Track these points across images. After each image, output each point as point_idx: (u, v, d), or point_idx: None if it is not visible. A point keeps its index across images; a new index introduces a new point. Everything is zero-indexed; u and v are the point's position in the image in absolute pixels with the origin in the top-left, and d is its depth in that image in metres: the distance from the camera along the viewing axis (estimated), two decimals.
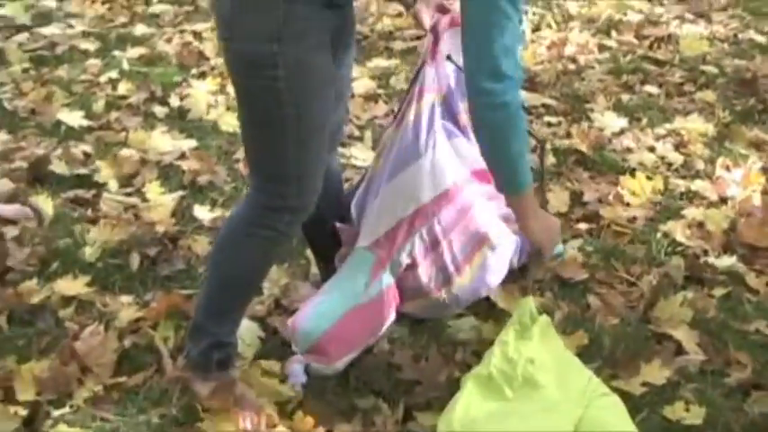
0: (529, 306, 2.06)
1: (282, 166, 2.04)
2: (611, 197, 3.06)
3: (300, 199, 2.09)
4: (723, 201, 3.09)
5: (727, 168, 3.27)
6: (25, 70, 4.02)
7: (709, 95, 3.84)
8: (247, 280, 2.22)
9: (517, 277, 2.59)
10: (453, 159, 2.43)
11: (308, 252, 2.73)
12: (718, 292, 2.64)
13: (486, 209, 2.47)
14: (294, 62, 1.93)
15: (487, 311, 2.53)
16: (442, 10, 2.40)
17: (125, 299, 2.56)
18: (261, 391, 2.22)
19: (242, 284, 2.22)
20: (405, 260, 2.36)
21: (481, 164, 2.21)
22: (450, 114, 2.48)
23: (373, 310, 2.34)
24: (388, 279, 2.35)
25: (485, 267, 2.46)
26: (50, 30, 4.41)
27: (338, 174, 2.54)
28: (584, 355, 2.35)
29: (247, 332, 2.40)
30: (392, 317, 2.39)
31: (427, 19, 2.42)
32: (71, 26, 4.47)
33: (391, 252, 2.35)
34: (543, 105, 3.69)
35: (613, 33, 4.43)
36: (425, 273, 2.39)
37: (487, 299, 2.54)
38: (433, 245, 2.38)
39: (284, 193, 2.06)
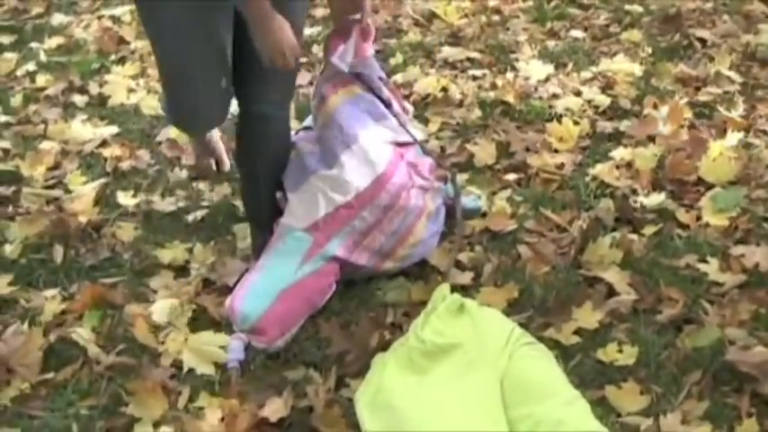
0: (441, 291, 2.08)
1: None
2: (538, 145, 3.04)
3: (169, 116, 2.59)
4: (651, 139, 3.07)
5: (655, 106, 3.26)
6: None
7: (634, 35, 3.83)
8: None
9: (446, 235, 2.57)
10: (381, 143, 2.45)
11: (235, 228, 2.70)
12: (649, 230, 2.63)
13: (419, 179, 2.48)
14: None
15: (418, 271, 2.50)
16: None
17: (49, 293, 2.51)
18: (201, 359, 2.22)
19: None
20: (336, 251, 2.37)
21: (401, 136, 2.45)
22: (372, 105, 2.50)
23: (309, 286, 2.35)
24: (323, 260, 2.36)
25: (425, 237, 2.48)
26: None
27: (280, 137, 2.53)
28: (516, 306, 2.35)
29: (176, 311, 2.37)
30: (330, 292, 2.39)
31: None
32: None
33: (329, 236, 2.36)
34: (468, 59, 3.66)
35: None
36: (361, 258, 2.41)
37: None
38: (368, 230, 2.40)
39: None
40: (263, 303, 2.26)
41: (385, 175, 2.40)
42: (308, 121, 2.66)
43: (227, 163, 2.88)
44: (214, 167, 2.88)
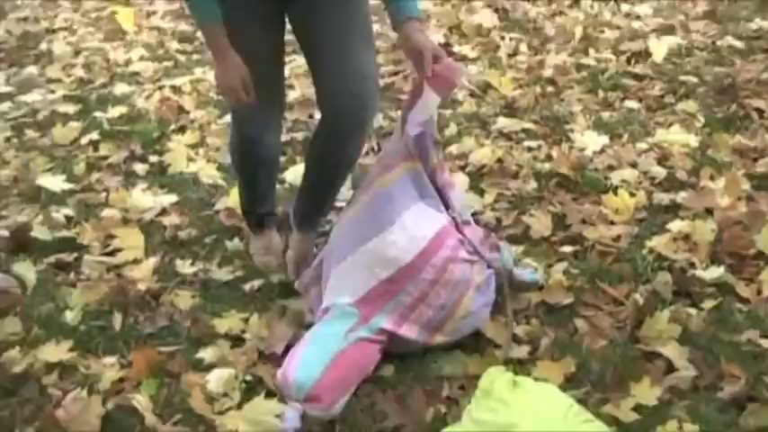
0: (493, 372, 2.08)
1: None
2: (594, 217, 3.03)
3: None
4: (709, 211, 3.05)
5: (712, 178, 3.24)
6: (7, 139, 4.03)
7: (690, 105, 3.82)
8: None
9: (501, 307, 2.56)
10: (428, 218, 2.47)
11: (287, 300, 2.72)
12: (708, 304, 2.60)
13: (464, 253, 2.48)
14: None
15: (474, 344, 2.49)
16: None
17: (108, 360, 2.54)
18: (257, 430, 2.23)
19: None
20: (383, 324, 2.38)
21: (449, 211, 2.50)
22: (422, 180, 2.51)
23: (359, 352, 2.36)
24: (370, 332, 2.38)
25: (473, 309, 2.47)
26: (32, 96, 4.43)
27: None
28: (573, 381, 2.33)
29: (231, 381, 2.39)
30: (377, 358, 2.40)
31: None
32: (52, 91, 4.50)
33: (375, 310, 2.39)
34: (523, 130, 3.68)
35: (591, 51, 4.42)
36: (409, 332, 2.41)
37: (477, 331, 2.52)
38: (415, 304, 2.41)
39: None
40: (315, 371, 2.27)
41: (429, 250, 2.41)
42: None
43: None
44: (274, 265, 2.90)
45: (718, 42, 4.47)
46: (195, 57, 4.81)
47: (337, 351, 2.32)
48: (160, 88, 4.40)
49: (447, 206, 2.53)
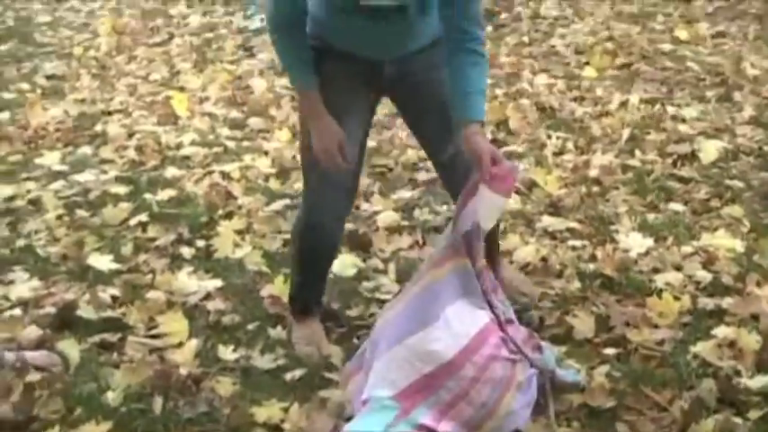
0: None
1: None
2: (638, 319, 3.01)
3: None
4: (755, 318, 3.02)
5: (758, 284, 3.22)
6: (59, 216, 4.10)
7: (735, 210, 3.81)
8: None
9: (542, 408, 2.54)
10: (469, 313, 2.48)
11: (327, 392, 2.71)
12: (754, 414, 2.56)
13: (507, 352, 2.48)
14: None
15: None
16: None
17: None
18: None
19: None
20: (423, 419, 2.38)
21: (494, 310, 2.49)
22: (470, 278, 2.52)
23: None
24: (409, 426, 2.38)
25: (514, 409, 2.46)
26: (85, 176, 4.52)
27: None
28: None
29: None
30: None
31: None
32: (105, 171, 4.59)
33: (415, 404, 2.39)
34: (568, 229, 3.69)
35: (637, 153, 4.44)
36: (448, 429, 2.40)
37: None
38: (455, 401, 2.40)
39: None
40: None
41: (471, 347, 2.42)
42: None
43: (329, 350, 2.92)
44: (316, 355, 2.90)
45: (765, 147, 4.47)
46: (245, 143, 4.90)
47: None
48: (209, 173, 4.48)
49: (491, 305, 2.53)
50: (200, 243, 3.74)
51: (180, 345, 3.01)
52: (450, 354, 2.40)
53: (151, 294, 3.33)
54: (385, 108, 4.33)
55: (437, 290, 2.48)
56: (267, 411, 2.64)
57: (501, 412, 2.43)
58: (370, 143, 4.64)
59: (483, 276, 2.54)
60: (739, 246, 3.50)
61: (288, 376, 2.82)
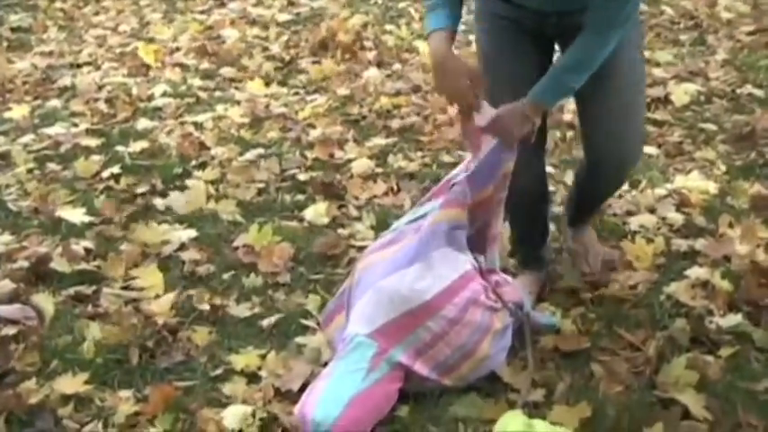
0: (507, 417, 2.05)
1: None
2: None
3: None
4: (727, 258, 3.05)
5: (730, 225, 3.24)
6: (30, 170, 4.06)
7: (708, 153, 3.83)
8: None
9: (518, 350, 2.56)
10: (453, 260, 2.48)
11: (304, 338, 2.72)
12: (725, 352, 2.59)
13: (486, 299, 2.49)
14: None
15: (490, 387, 2.49)
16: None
17: (124, 394, 2.54)
18: None
19: None
20: (401, 357, 2.38)
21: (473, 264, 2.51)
22: (459, 233, 2.52)
23: (377, 393, 2.37)
24: (388, 366, 2.39)
25: (491, 353, 2.48)
26: (55, 129, 4.46)
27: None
28: (588, 426, 2.31)
29: (247, 419, 2.39)
30: (395, 397, 2.41)
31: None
32: (75, 125, 4.54)
33: (393, 342, 2.39)
34: None
35: None
36: (424, 368, 2.41)
37: (492, 373, 2.52)
38: (434, 341, 2.41)
39: None
40: (334, 410, 2.28)
41: (452, 289, 2.42)
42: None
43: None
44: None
45: (738, 90, 4.49)
46: (217, 94, 4.85)
47: (357, 391, 2.33)
48: (182, 124, 4.44)
49: (474, 256, 2.54)
50: (174, 194, 3.71)
51: (155, 296, 3.00)
52: (430, 293, 2.40)
53: (125, 246, 3.31)
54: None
55: (422, 236, 2.47)
56: (244, 359, 2.65)
57: (478, 356, 2.44)
58: (343, 91, 4.65)
59: (489, 228, 2.57)
60: (712, 188, 3.52)
61: (264, 324, 2.82)
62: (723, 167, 3.70)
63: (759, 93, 4.47)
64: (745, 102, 4.38)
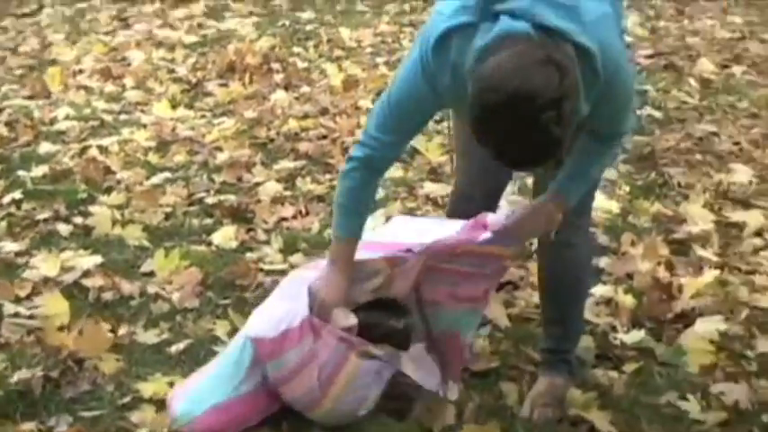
0: None
1: None
2: (520, 281, 3.08)
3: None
4: (629, 276, 3.13)
5: (632, 243, 3.33)
6: None
7: (611, 173, 3.92)
8: None
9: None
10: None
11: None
12: (629, 367, 2.66)
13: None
14: None
15: (402, 408, 2.50)
16: None
17: (27, 426, 2.47)
18: None
19: None
20: (271, 373, 2.36)
21: None
22: None
23: (245, 404, 2.39)
24: (262, 379, 2.38)
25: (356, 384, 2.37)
26: None
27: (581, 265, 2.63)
28: None
29: None
30: (270, 407, 2.42)
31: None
32: None
33: (273, 354, 2.34)
34: (448, 195, 3.72)
35: None
36: (299, 387, 2.36)
37: (405, 396, 2.51)
38: (299, 367, 2.35)
39: None
40: (198, 408, 2.37)
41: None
42: None
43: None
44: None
45: (638, 112, 4.61)
46: (123, 117, 4.78)
47: (225, 398, 2.37)
48: (86, 148, 4.36)
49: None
50: (78, 220, 3.64)
51: (60, 325, 2.93)
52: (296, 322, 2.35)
53: (27, 273, 3.23)
54: None
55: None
56: (153, 386, 2.60)
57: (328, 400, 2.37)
58: (250, 114, 4.64)
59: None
60: (615, 207, 3.61)
61: (173, 350, 2.78)
62: (626, 188, 3.81)
63: (658, 114, 4.62)
64: (644, 123, 4.51)
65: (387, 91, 2.25)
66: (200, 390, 2.41)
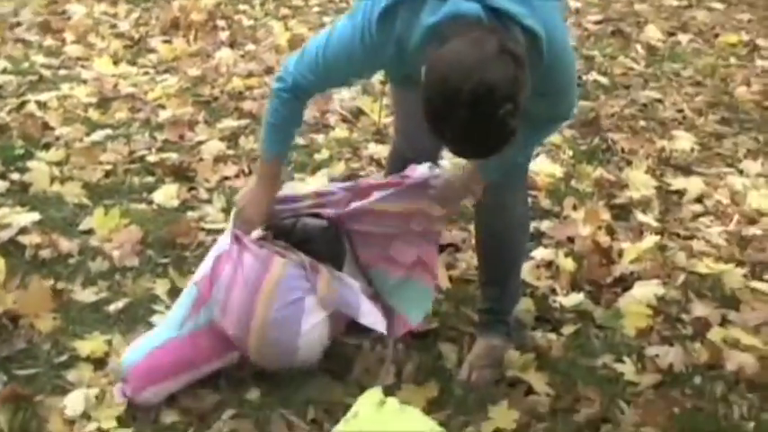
0: (364, 397, 2.05)
1: None
2: (462, 244, 3.09)
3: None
4: (570, 240, 3.16)
5: (574, 207, 3.36)
6: None
7: (555, 137, 3.94)
8: None
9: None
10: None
11: (154, 319, 2.67)
12: (567, 330, 2.69)
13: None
14: None
15: (340, 370, 2.50)
16: None
17: None
18: None
19: None
20: (220, 293, 2.36)
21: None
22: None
23: (185, 345, 2.39)
24: (205, 318, 2.38)
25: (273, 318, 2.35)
26: None
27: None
28: (436, 405, 2.36)
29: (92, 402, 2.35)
30: (217, 361, 2.41)
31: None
32: None
33: (212, 285, 2.36)
34: None
35: None
36: (234, 305, 2.35)
37: (344, 356, 2.53)
38: (223, 306, 2.37)
39: None
40: (138, 355, 2.39)
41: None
42: None
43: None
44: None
45: (584, 77, 4.63)
46: (62, 72, 4.67)
47: (163, 340, 2.40)
48: (24, 103, 4.26)
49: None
50: (15, 177, 3.56)
51: None
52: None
53: None
54: None
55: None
56: (90, 345, 2.57)
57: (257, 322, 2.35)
58: (194, 72, 4.57)
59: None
60: (558, 171, 3.63)
61: (111, 309, 2.75)
62: (569, 152, 3.83)
63: (604, 80, 4.65)
64: (590, 88, 4.53)
65: (324, 37, 2.20)
66: (146, 337, 2.45)
